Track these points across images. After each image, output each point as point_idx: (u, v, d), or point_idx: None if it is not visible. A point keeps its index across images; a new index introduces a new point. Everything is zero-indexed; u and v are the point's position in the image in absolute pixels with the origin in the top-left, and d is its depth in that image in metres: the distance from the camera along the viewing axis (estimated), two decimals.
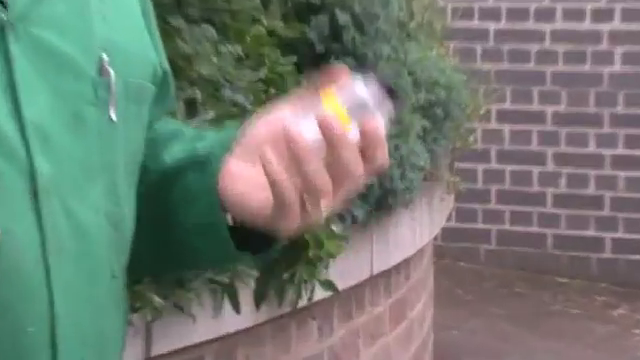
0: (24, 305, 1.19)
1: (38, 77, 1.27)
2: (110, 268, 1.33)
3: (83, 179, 1.30)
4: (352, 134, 1.20)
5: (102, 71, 1.34)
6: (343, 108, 1.22)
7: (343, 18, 3.89)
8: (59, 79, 1.30)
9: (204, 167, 1.37)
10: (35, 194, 1.21)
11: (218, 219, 1.33)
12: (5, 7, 1.22)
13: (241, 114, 3.05)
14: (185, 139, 1.46)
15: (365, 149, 1.22)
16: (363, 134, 1.22)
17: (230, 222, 1.33)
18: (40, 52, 1.28)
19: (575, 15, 9.49)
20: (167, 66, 1.50)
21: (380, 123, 1.22)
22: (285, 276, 3.33)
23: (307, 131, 1.21)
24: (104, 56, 1.33)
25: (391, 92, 1.23)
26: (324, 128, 1.21)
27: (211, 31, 3.30)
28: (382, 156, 1.24)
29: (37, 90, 1.26)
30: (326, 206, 1.26)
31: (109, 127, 1.33)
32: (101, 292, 1.31)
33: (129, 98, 1.38)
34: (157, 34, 1.52)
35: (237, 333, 3.20)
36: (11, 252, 1.20)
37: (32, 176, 1.20)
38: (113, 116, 1.33)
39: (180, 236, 1.41)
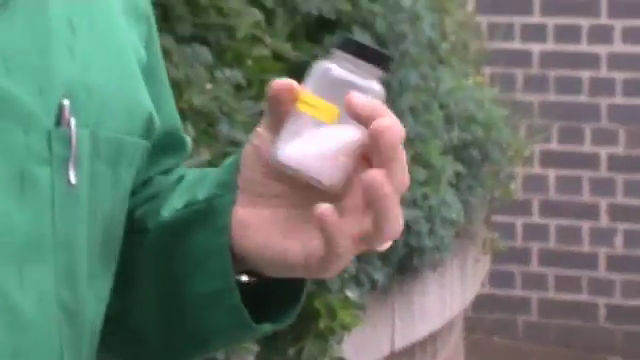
0: None
1: None
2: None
3: (24, 257, 1.27)
4: (349, 132, 1.17)
5: (61, 121, 1.30)
6: (321, 99, 1.19)
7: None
8: (3, 130, 1.26)
9: (207, 218, 1.35)
10: None
11: (228, 285, 1.32)
12: None
13: None
14: (184, 186, 1.43)
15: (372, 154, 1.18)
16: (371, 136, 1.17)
17: (247, 282, 1.34)
18: None
19: (638, 36, 9.58)
20: (175, 119, 1.50)
21: (389, 119, 1.16)
22: (291, 352, 3.37)
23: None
24: (65, 102, 1.29)
25: (374, 55, 1.19)
26: None
27: (205, 53, 3.35)
28: (401, 168, 1.18)
29: None
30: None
31: (67, 192, 1.29)
32: None
33: (100, 156, 1.34)
34: (164, 77, 1.52)
35: None
36: None
37: None
38: (73, 178, 1.29)
39: (190, 312, 1.40)
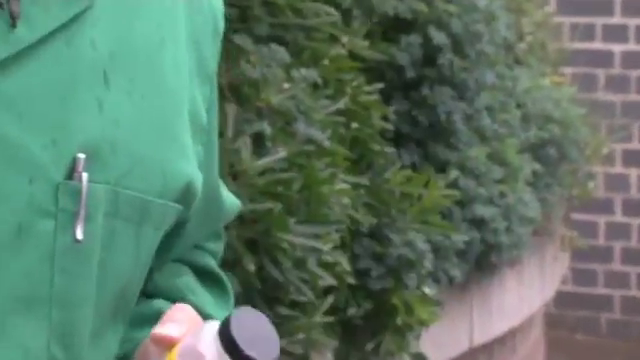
0: None
1: None
2: None
3: (10, 310, 1.23)
4: None
5: (73, 175, 1.26)
6: None
7: (439, 38, 3.98)
8: (4, 178, 1.22)
9: None
10: None
11: None
12: None
13: (318, 152, 3.12)
14: (144, 313, 1.45)
15: None
16: None
17: None
18: None
19: None
20: (215, 184, 1.46)
21: None
22: (369, 347, 3.39)
23: None
24: (80, 156, 1.24)
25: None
26: None
27: (282, 52, 3.38)
28: None
29: None
30: None
31: (72, 248, 1.25)
32: None
33: (119, 214, 1.30)
34: (216, 140, 1.46)
35: None
36: None
37: None
38: (79, 234, 1.24)
39: None
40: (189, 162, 1.35)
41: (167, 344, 1.22)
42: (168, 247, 1.40)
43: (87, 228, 1.22)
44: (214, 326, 1.20)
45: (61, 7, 1.23)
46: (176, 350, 1.22)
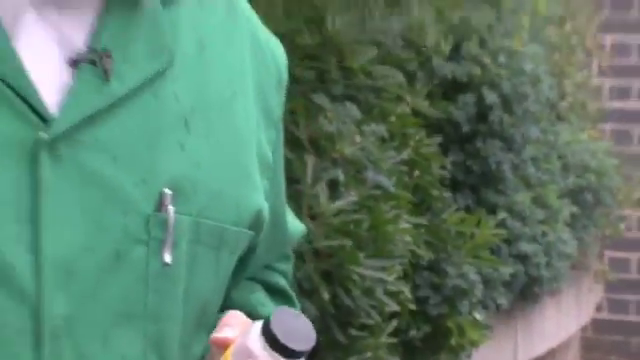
0: None
1: (74, 208, 1.19)
2: None
3: (111, 324, 1.22)
4: None
5: (161, 208, 1.25)
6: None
7: (491, 98, 3.97)
8: (103, 212, 1.21)
9: None
10: (39, 335, 1.16)
11: None
12: (45, 123, 1.17)
13: (384, 196, 3.13)
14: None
15: None
16: None
17: None
18: (83, 179, 1.20)
19: None
20: (265, 206, 1.40)
21: None
22: None
23: None
24: (167, 191, 1.23)
25: (287, 350, 1.24)
26: None
27: (354, 110, 3.35)
28: None
29: (69, 223, 1.19)
30: None
31: (161, 271, 1.25)
32: None
33: (200, 241, 1.29)
34: (282, 179, 1.45)
35: None
36: None
37: (37, 316, 1.16)
38: (167, 259, 1.24)
39: None
40: (258, 195, 1.33)
41: (223, 345, 1.22)
42: (242, 268, 1.37)
43: (174, 254, 1.21)
44: (259, 325, 1.20)
45: (147, 64, 1.23)
46: (230, 349, 1.22)
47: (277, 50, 1.42)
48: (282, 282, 1.47)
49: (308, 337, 1.22)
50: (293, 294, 1.52)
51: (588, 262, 5.71)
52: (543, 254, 4.53)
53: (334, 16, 3.32)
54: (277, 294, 1.45)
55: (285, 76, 1.42)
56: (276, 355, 1.19)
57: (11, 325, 1.13)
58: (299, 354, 1.22)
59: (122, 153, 1.20)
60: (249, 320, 1.24)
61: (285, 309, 1.23)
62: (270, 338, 1.19)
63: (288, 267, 1.51)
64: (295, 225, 1.51)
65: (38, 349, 1.14)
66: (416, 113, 3.73)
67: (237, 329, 1.22)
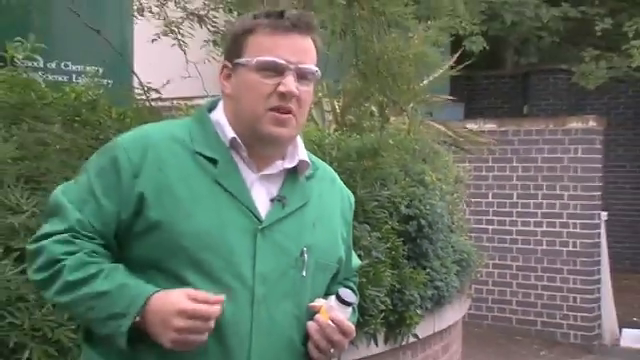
0: (234, 357, 2.09)
1: (269, 253, 2.19)
2: (293, 339, 2.21)
3: (282, 298, 2.21)
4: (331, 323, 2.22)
5: (302, 254, 2.23)
6: (328, 312, 2.24)
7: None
8: (279, 255, 2.21)
9: None
10: (252, 302, 2.14)
11: None
12: (260, 221, 2.17)
13: None
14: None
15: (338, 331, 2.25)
16: (337, 322, 2.24)
17: None
18: (274, 244, 2.19)
19: None
20: (343, 257, 2.42)
21: (344, 318, 2.24)
22: None
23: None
24: (304, 248, 2.22)
25: (348, 303, 2.24)
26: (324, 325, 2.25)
27: None
28: (347, 329, 2.28)
29: (266, 259, 2.18)
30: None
31: (301, 279, 2.24)
32: (286, 354, 2.21)
33: (317, 268, 2.28)
34: (349, 241, 2.46)
35: None
36: (232, 327, 2.11)
37: (252, 293, 2.13)
38: (304, 274, 2.23)
39: None
40: (340, 251, 2.42)
41: (316, 308, 2.26)
42: (333, 279, 2.43)
43: (307, 272, 2.28)
44: (333, 296, 2.28)
45: (298, 201, 2.31)
46: (323, 307, 2.26)
47: (350, 196, 2.55)
48: (351, 284, 2.58)
49: (355, 298, 2.29)
50: (356, 289, 2.60)
51: (464, 288, 7.21)
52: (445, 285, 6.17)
53: None
54: (349, 289, 2.48)
55: (353, 206, 2.55)
56: (341, 304, 2.26)
57: (240, 297, 2.16)
58: (350, 304, 2.26)
59: (290, 234, 2.26)
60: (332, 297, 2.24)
61: (344, 289, 2.30)
62: (338, 297, 2.23)
63: (355, 279, 2.65)
64: (356, 260, 2.63)
65: (251, 308, 2.19)
66: None
67: (322, 302, 2.27)
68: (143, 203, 2.19)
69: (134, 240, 2.22)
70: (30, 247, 2.25)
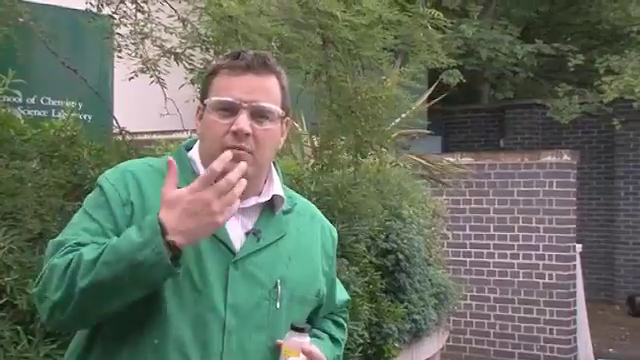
0: None
1: (241, 285, 2.21)
2: None
3: (254, 329, 2.23)
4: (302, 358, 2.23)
5: (276, 286, 2.24)
6: (292, 350, 2.24)
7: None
8: (252, 287, 2.22)
9: None
10: (223, 332, 2.15)
11: None
12: (234, 254, 2.20)
13: None
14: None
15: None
16: (307, 354, 2.24)
17: None
18: (246, 275, 2.22)
19: None
20: (325, 291, 2.43)
21: (310, 347, 2.23)
22: None
23: None
24: (278, 281, 2.24)
25: (301, 329, 2.24)
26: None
27: None
28: (318, 358, 2.31)
29: (238, 290, 2.20)
30: None
31: (276, 311, 2.25)
32: None
33: (293, 300, 2.29)
34: (332, 275, 2.49)
35: None
36: (204, 357, 2.17)
37: (224, 324, 2.15)
38: (278, 306, 2.25)
39: None
40: (320, 284, 2.43)
41: (279, 350, 2.30)
42: (316, 313, 2.47)
43: (281, 304, 2.29)
44: (293, 335, 2.29)
45: (274, 235, 2.34)
46: (283, 347, 2.29)
47: (332, 230, 2.58)
48: (340, 319, 2.63)
49: (308, 328, 2.29)
50: (345, 325, 2.65)
51: (442, 321, 7.35)
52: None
53: None
54: (336, 324, 2.59)
55: (335, 240, 2.56)
56: (300, 334, 2.27)
57: (212, 327, 2.20)
58: (303, 329, 2.27)
59: (263, 266, 2.28)
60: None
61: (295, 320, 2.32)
62: (292, 328, 2.28)
63: (346, 315, 2.66)
64: (343, 294, 2.64)
65: (223, 337, 2.21)
66: None
67: (280, 342, 2.29)
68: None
69: None
70: (38, 286, 2.20)
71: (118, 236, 2.15)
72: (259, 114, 2.28)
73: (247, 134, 2.24)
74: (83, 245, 2.17)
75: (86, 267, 2.07)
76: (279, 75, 2.34)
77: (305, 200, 2.55)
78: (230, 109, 2.26)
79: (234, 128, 2.23)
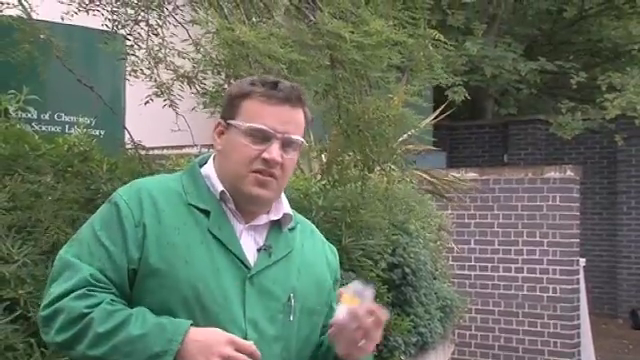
0: None
1: (257, 299, 2.24)
2: None
3: (272, 342, 2.27)
4: (362, 309, 2.17)
5: (289, 300, 2.29)
6: (355, 298, 2.22)
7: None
8: (268, 301, 2.27)
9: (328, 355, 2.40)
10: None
11: None
12: (249, 269, 2.23)
13: None
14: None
15: (370, 323, 2.22)
16: (370, 311, 2.21)
17: None
18: (261, 290, 2.25)
19: None
20: (333, 301, 2.40)
21: (373, 305, 2.18)
22: None
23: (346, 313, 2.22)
24: (291, 294, 2.28)
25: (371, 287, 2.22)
26: (358, 314, 2.22)
27: None
28: (380, 317, 2.25)
29: (255, 305, 2.23)
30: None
31: (289, 323, 2.29)
32: None
33: (304, 312, 2.33)
34: (337, 289, 2.41)
35: None
36: None
37: (245, 338, 2.17)
38: (292, 318, 2.28)
39: None
40: (330, 294, 2.46)
41: (339, 299, 2.30)
42: (324, 325, 2.46)
43: (294, 316, 2.34)
44: (358, 285, 2.29)
45: (283, 250, 2.38)
46: (345, 296, 2.29)
47: (333, 249, 2.62)
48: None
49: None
50: None
51: (448, 334, 7.32)
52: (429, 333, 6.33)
53: None
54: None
55: (337, 258, 2.60)
56: (358, 284, 2.28)
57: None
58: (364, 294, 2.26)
59: (277, 279, 2.33)
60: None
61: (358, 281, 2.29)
62: (361, 287, 2.26)
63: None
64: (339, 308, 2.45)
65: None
66: None
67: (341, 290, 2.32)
68: (144, 250, 2.23)
69: (136, 285, 2.26)
70: (45, 312, 2.22)
71: (126, 255, 2.22)
72: (288, 144, 2.35)
73: (278, 163, 2.32)
74: (95, 286, 2.20)
75: (95, 338, 2.12)
76: (305, 108, 2.41)
77: (303, 218, 2.59)
78: (263, 136, 2.32)
79: (267, 156, 2.30)
